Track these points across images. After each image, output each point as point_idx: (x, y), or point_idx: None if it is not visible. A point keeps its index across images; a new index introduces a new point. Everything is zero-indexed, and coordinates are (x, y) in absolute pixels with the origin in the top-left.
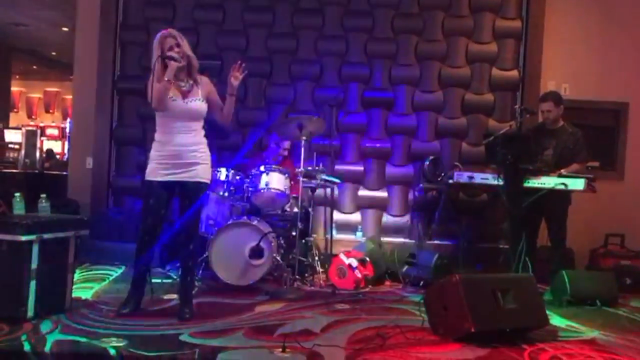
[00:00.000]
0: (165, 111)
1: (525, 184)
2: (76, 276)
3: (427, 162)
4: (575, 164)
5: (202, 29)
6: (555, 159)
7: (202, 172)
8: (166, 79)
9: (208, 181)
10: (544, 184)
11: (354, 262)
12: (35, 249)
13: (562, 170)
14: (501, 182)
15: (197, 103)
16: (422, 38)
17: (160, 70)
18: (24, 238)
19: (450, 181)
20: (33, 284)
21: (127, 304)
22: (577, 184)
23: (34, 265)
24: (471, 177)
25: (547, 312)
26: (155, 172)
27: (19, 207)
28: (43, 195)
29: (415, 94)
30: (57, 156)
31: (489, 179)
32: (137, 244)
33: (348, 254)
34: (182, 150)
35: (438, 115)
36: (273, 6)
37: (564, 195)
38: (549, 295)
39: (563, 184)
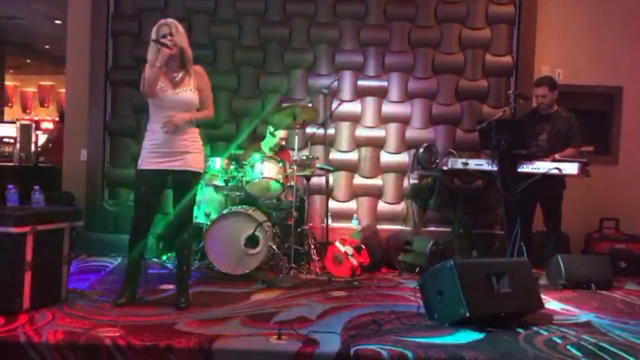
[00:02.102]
0: (154, 98)
1: (520, 169)
2: (72, 268)
3: (422, 149)
4: (570, 149)
5: (195, 19)
6: (549, 144)
7: (193, 161)
8: (157, 65)
9: (201, 170)
10: (538, 168)
11: (350, 250)
12: (29, 240)
13: (556, 155)
14: (495, 168)
15: (188, 94)
16: (415, 25)
17: (153, 55)
18: (17, 230)
19: (445, 168)
20: (28, 276)
21: (122, 295)
22: (571, 168)
23: (28, 257)
24: (465, 164)
25: (542, 296)
26: (146, 160)
27: (12, 199)
28: (36, 187)
29: (409, 81)
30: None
31: (484, 165)
32: (130, 233)
33: (344, 242)
34: (172, 139)
35: (432, 102)
36: None
37: (559, 180)
38: (544, 280)
39: (557, 168)
